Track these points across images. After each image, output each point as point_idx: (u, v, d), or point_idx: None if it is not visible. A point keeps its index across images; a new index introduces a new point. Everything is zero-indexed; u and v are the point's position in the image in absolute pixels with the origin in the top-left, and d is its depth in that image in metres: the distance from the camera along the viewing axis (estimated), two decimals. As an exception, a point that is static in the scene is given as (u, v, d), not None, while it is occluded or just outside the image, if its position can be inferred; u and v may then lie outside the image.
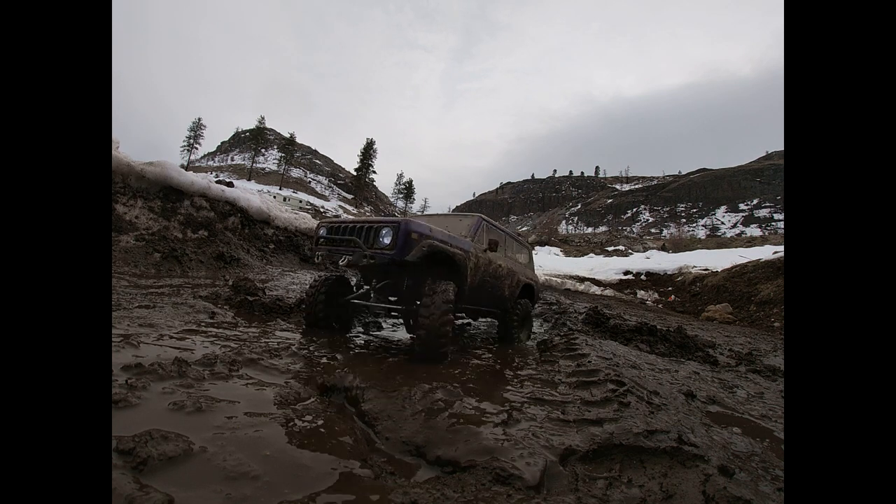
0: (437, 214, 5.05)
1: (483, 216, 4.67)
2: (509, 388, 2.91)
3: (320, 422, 1.99)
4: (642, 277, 21.02)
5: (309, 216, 12.28)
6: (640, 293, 18.58)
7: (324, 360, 3.00)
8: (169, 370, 2.15)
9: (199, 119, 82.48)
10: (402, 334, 4.68)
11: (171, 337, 2.88)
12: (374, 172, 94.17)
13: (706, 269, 18.61)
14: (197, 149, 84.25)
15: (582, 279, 21.09)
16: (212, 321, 3.67)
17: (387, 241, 3.30)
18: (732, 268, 16.63)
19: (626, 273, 21.86)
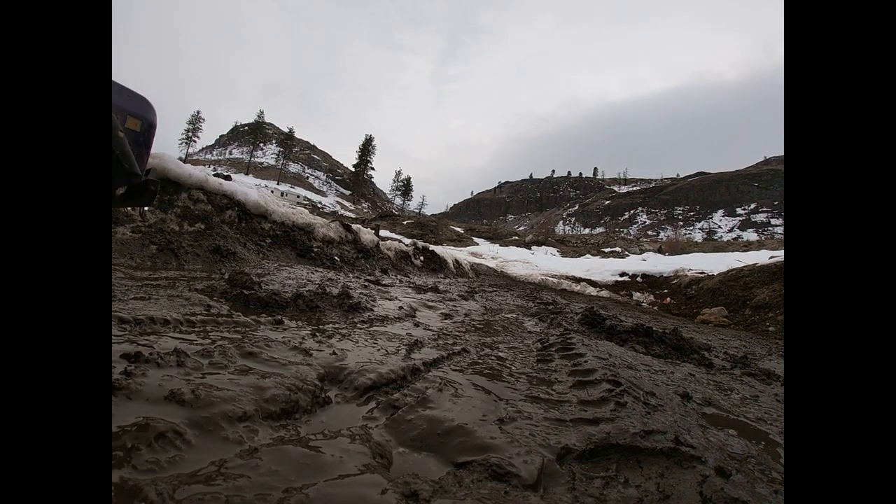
0: None
1: None
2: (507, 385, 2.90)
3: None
4: (638, 279, 21.07)
5: (306, 211, 12.24)
6: (636, 295, 18.63)
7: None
8: (167, 360, 2.14)
9: (198, 112, 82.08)
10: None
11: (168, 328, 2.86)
12: (373, 169, 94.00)
13: (702, 273, 18.66)
14: (195, 142, 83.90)
15: (578, 280, 21.13)
16: (207, 314, 3.64)
17: None
18: (728, 271, 16.70)
19: (623, 274, 21.91)
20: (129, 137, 1.63)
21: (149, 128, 1.81)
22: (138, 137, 1.76)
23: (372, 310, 5.20)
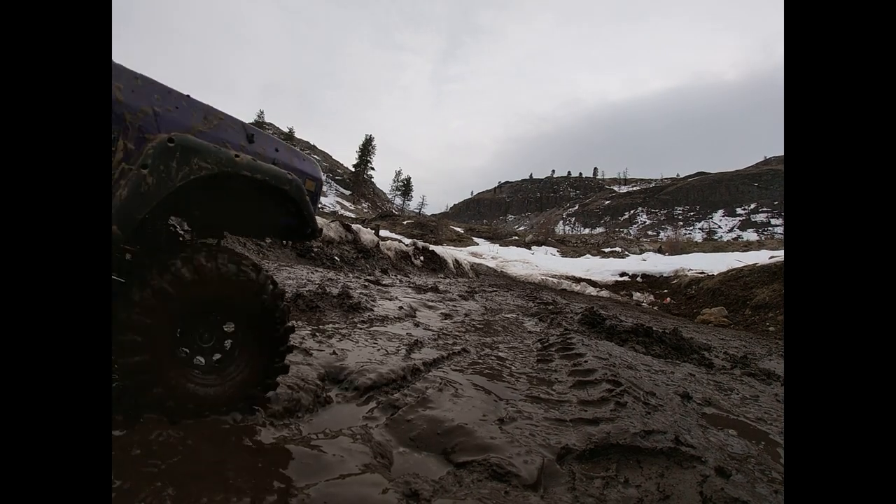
0: None
1: None
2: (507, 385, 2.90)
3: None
4: (638, 279, 21.06)
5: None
6: (636, 295, 18.63)
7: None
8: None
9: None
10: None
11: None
12: (373, 169, 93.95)
13: (702, 273, 18.66)
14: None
15: (578, 280, 21.13)
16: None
17: None
18: (728, 271, 16.69)
19: (623, 274, 21.91)
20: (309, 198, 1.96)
21: (320, 186, 2.11)
22: (314, 197, 2.02)
23: (372, 310, 5.20)
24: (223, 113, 1.72)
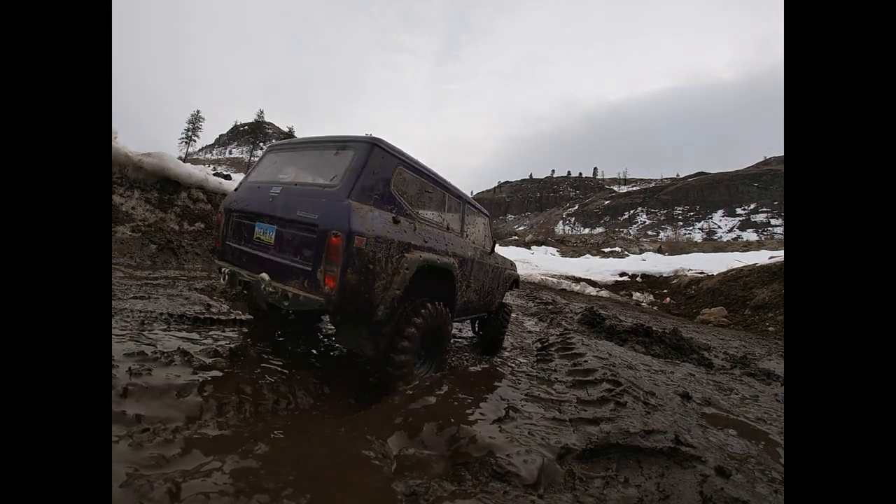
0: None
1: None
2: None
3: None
4: (638, 279, 21.05)
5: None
6: (636, 295, 18.62)
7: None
8: (170, 359, 2.15)
9: (198, 111, 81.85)
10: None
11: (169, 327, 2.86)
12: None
13: (702, 273, 18.65)
14: (195, 141, 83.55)
15: (578, 280, 21.11)
16: (208, 313, 3.64)
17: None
18: (728, 272, 16.69)
19: (622, 274, 21.89)
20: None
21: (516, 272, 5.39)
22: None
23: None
24: (508, 259, 4.90)
